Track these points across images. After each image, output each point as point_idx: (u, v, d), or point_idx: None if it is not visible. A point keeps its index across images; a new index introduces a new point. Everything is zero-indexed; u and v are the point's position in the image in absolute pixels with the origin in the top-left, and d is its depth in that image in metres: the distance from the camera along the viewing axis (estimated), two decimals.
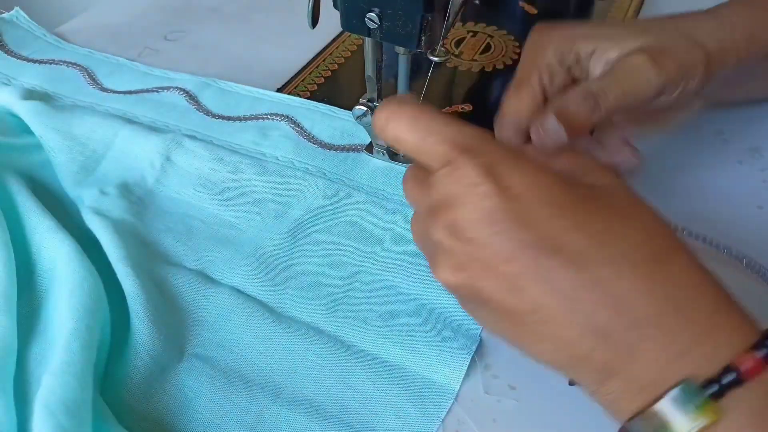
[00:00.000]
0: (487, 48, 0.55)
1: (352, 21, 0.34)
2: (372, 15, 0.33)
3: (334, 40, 0.55)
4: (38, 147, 0.43)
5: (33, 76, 0.51)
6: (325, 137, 0.45)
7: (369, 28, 0.34)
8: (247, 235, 0.39)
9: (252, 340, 0.34)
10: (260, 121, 0.47)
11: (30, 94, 0.46)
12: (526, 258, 0.24)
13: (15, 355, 0.30)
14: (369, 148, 0.44)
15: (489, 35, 0.56)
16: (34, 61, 0.53)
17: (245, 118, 0.47)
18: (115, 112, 0.47)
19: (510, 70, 0.52)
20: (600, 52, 0.35)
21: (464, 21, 0.58)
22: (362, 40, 0.37)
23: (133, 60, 0.53)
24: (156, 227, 0.39)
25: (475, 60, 0.53)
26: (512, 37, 0.56)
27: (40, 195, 0.39)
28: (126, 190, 0.41)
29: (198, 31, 0.57)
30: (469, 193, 0.24)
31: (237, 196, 0.41)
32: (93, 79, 0.51)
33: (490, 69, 0.52)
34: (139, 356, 0.32)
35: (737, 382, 0.22)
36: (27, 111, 0.43)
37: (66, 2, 1.01)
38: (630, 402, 0.24)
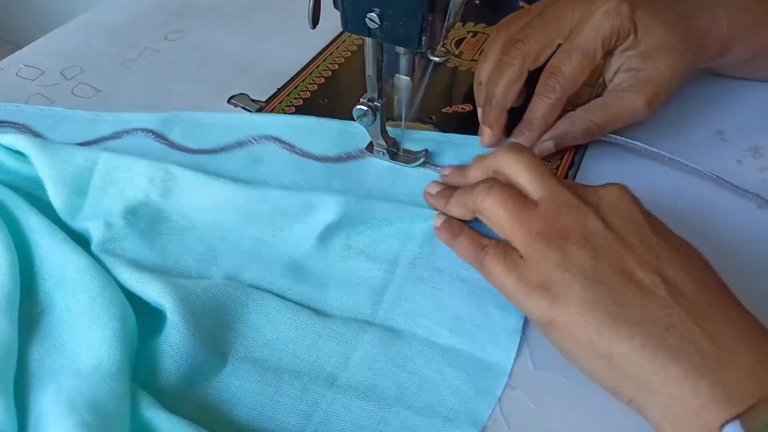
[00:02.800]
0: None
1: (352, 21, 0.34)
2: (372, 15, 0.33)
3: (334, 40, 0.55)
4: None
5: None
6: (319, 150, 0.44)
7: (369, 28, 0.34)
8: (277, 247, 0.38)
9: (299, 337, 0.33)
10: (246, 146, 0.44)
11: None
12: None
13: (15, 357, 0.30)
14: (369, 148, 0.44)
15: (489, 35, 0.56)
16: None
17: (230, 148, 0.44)
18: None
19: None
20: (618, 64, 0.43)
21: (464, 21, 0.58)
22: (362, 40, 0.37)
23: (87, 103, 0.48)
24: (175, 251, 0.37)
25: (475, 60, 0.53)
26: None
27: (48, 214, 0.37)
28: (132, 215, 0.37)
29: (198, 31, 0.57)
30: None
31: (256, 209, 0.38)
32: (37, 137, 0.43)
33: None
34: (177, 365, 0.31)
35: None
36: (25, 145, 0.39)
37: (66, 2, 1.01)
38: (728, 407, 0.25)
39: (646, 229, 0.31)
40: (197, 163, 0.42)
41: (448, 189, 0.38)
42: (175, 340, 0.31)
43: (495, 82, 0.42)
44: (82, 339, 0.30)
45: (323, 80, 0.51)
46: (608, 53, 0.42)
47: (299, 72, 0.52)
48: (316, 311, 0.35)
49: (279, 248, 0.38)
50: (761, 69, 0.49)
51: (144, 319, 0.33)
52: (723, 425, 0.25)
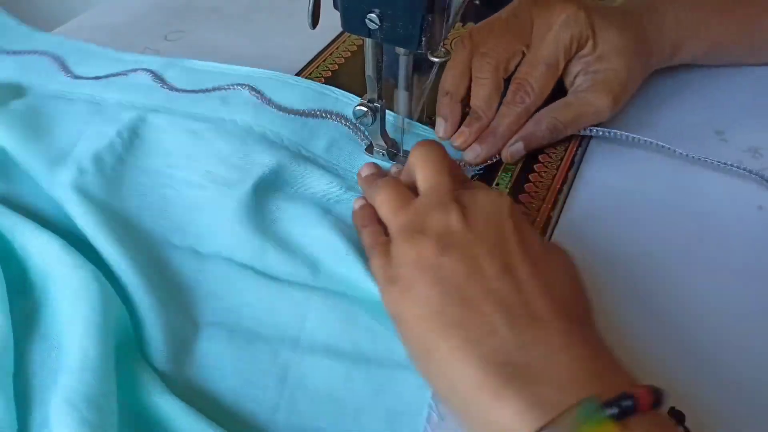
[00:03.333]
0: None
1: (352, 22, 0.34)
2: (372, 16, 0.33)
3: (334, 40, 0.55)
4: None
5: (6, 69, 0.51)
6: (286, 103, 0.46)
7: (369, 28, 0.34)
8: (211, 192, 0.39)
9: (256, 301, 0.35)
10: (222, 91, 0.47)
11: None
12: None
13: (12, 354, 0.30)
14: (369, 149, 0.44)
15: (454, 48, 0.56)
16: (8, 53, 0.53)
17: (208, 91, 0.48)
18: (85, 97, 0.48)
19: None
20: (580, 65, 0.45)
21: (464, 21, 0.58)
22: (362, 40, 0.36)
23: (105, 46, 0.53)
24: (134, 204, 0.39)
25: None
26: None
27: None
28: (100, 161, 0.41)
29: (198, 31, 0.57)
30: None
31: (201, 157, 0.41)
32: (64, 67, 0.51)
33: None
34: (156, 337, 0.32)
35: (632, 410, 0.24)
36: None
37: (66, 2, 1.01)
38: (533, 420, 0.25)
39: (508, 235, 0.30)
40: (174, 101, 0.47)
41: (379, 175, 0.39)
42: (148, 311, 0.33)
43: (477, 97, 0.43)
44: (70, 335, 0.30)
45: (323, 80, 0.51)
46: (569, 60, 0.44)
47: (299, 72, 0.52)
48: (264, 274, 0.36)
49: (214, 191, 0.39)
50: (717, 61, 0.51)
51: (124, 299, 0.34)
52: None
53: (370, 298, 0.33)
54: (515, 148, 0.43)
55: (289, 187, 0.40)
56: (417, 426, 0.30)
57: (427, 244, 0.30)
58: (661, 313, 0.36)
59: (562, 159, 0.44)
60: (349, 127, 0.45)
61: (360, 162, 0.43)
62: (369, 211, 0.37)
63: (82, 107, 0.46)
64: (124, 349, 0.31)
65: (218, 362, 0.32)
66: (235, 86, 0.47)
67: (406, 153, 0.43)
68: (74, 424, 0.26)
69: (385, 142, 0.42)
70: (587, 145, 0.46)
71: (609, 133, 0.44)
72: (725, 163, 0.43)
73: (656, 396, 0.25)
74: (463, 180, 0.37)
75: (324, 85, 0.48)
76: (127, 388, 0.30)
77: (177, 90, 0.48)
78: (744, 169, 0.42)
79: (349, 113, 0.45)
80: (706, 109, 0.49)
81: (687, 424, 0.29)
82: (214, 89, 0.48)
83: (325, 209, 0.39)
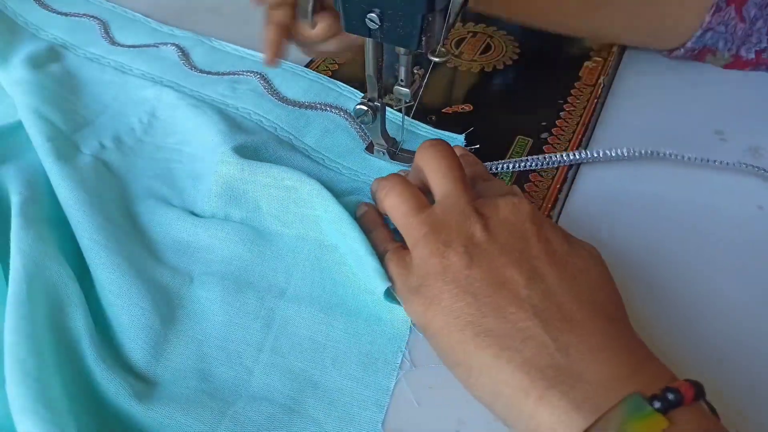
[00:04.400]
0: (487, 48, 0.55)
1: (352, 21, 0.34)
2: (372, 16, 0.33)
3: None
4: None
5: (57, 28, 0.56)
6: (290, 94, 0.49)
7: (369, 28, 0.34)
8: (209, 163, 0.41)
9: (246, 253, 0.37)
10: (235, 76, 0.51)
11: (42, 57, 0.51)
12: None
13: None
14: (369, 148, 0.44)
15: (489, 35, 0.56)
16: (60, 14, 0.58)
17: (222, 74, 0.51)
18: (115, 65, 0.52)
19: (510, 69, 0.52)
20: None
21: (464, 21, 0.58)
22: (362, 40, 0.37)
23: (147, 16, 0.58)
24: (147, 174, 0.43)
25: (475, 60, 0.53)
26: (512, 37, 0.56)
27: None
28: (119, 141, 0.45)
29: (198, 31, 0.57)
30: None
31: (202, 132, 0.43)
32: (106, 32, 0.56)
33: (490, 69, 0.52)
34: (155, 283, 0.35)
35: (678, 402, 0.25)
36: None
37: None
38: (580, 420, 0.25)
39: (532, 241, 0.31)
40: (190, 80, 0.50)
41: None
42: (148, 265, 0.36)
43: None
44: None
45: None
46: None
47: None
48: (254, 228, 0.39)
49: (209, 160, 0.41)
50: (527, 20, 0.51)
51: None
52: None
53: (356, 254, 0.35)
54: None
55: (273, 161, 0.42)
56: (390, 371, 0.33)
57: (453, 257, 0.30)
58: (661, 313, 0.36)
59: (554, 177, 0.44)
60: (346, 119, 0.46)
61: (355, 159, 0.43)
62: (373, 216, 0.37)
63: (111, 76, 0.51)
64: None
65: (209, 307, 0.35)
66: (247, 73, 0.51)
67: (405, 151, 0.43)
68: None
69: (385, 141, 0.42)
70: (587, 145, 0.46)
71: (597, 154, 0.44)
72: (720, 162, 0.43)
73: (697, 389, 0.25)
74: (478, 177, 0.37)
75: (331, 79, 0.50)
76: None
77: (196, 70, 0.52)
78: (745, 165, 0.42)
79: (351, 108, 0.45)
80: (706, 109, 0.49)
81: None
82: (228, 73, 0.51)
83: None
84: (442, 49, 0.36)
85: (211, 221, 0.39)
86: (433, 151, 0.34)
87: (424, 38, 0.33)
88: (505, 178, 0.43)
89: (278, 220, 0.38)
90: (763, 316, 0.36)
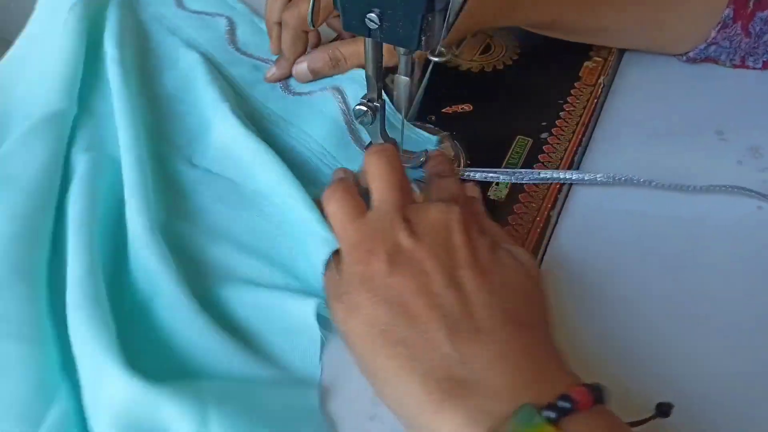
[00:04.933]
0: (487, 48, 0.55)
1: (352, 21, 0.34)
2: (372, 15, 0.33)
3: (333, 40, 0.55)
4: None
5: None
6: (300, 88, 0.49)
7: (369, 28, 0.34)
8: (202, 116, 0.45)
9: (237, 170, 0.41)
10: (260, 62, 0.51)
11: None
12: None
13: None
14: (368, 147, 0.44)
15: (489, 35, 0.56)
16: None
17: (249, 55, 0.52)
18: (173, 28, 0.53)
19: (510, 69, 0.52)
20: None
21: None
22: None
23: None
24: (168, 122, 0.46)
25: (475, 60, 0.53)
26: (512, 37, 0.56)
27: None
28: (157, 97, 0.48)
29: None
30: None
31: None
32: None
33: (490, 69, 0.52)
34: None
35: (571, 410, 0.25)
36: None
37: None
38: (470, 429, 0.25)
39: (457, 248, 0.31)
40: (223, 54, 0.52)
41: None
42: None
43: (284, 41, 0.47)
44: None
45: None
46: None
47: None
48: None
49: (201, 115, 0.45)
50: (560, 34, 0.51)
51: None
52: None
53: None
54: (300, 68, 0.47)
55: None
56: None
57: (375, 264, 0.30)
58: (661, 313, 0.36)
59: (561, 159, 0.44)
60: (340, 106, 0.46)
61: (338, 144, 0.44)
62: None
63: (173, 41, 0.52)
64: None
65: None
66: (269, 61, 0.51)
67: (406, 152, 0.43)
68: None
69: (385, 142, 0.42)
70: (587, 145, 0.46)
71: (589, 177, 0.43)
72: (719, 185, 0.43)
73: (596, 394, 0.25)
74: (435, 174, 0.38)
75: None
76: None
77: (236, 49, 0.53)
78: (727, 186, 0.42)
79: (350, 90, 0.47)
80: (706, 109, 0.49)
81: (681, 419, 0.29)
82: (251, 56, 0.52)
83: None
84: (442, 49, 0.36)
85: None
86: (376, 157, 0.35)
87: (424, 38, 0.33)
88: (502, 185, 0.43)
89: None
90: (765, 317, 0.36)
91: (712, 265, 0.38)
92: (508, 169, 0.43)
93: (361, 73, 0.47)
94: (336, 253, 0.34)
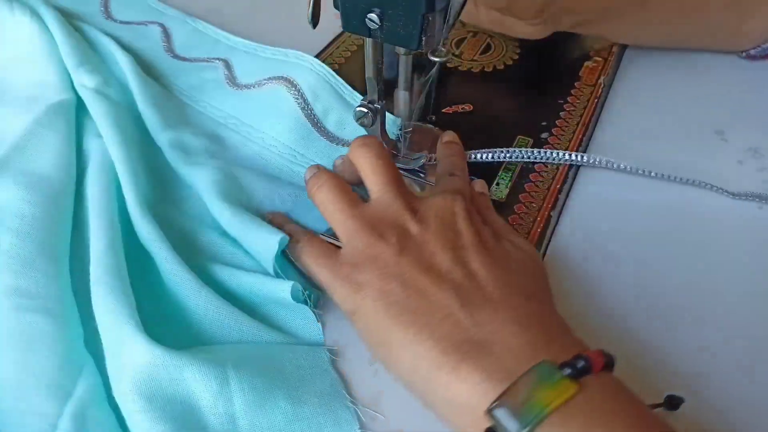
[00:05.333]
0: (488, 48, 0.55)
1: (352, 21, 0.34)
2: (372, 15, 0.33)
3: (334, 40, 0.55)
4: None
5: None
6: (246, 79, 0.49)
7: (369, 28, 0.34)
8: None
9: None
10: (204, 63, 0.52)
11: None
12: None
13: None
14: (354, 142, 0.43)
15: (489, 35, 0.56)
16: None
17: (190, 59, 0.52)
18: (110, 39, 0.51)
19: (510, 70, 0.52)
20: None
21: (464, 21, 0.58)
22: (362, 40, 0.36)
23: None
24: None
25: (476, 60, 0.53)
26: (512, 37, 0.56)
27: None
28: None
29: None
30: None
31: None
32: (106, 8, 0.57)
33: (491, 69, 0.52)
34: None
35: (588, 370, 0.25)
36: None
37: None
38: (491, 389, 0.26)
39: (461, 231, 0.33)
40: (163, 63, 0.52)
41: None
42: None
43: None
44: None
45: None
46: None
47: None
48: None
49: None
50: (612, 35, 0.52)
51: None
52: (491, 409, 0.25)
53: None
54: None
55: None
56: None
57: (385, 246, 0.32)
58: (661, 313, 0.36)
59: (555, 176, 0.44)
60: (292, 93, 0.46)
61: (297, 137, 0.44)
62: (280, 217, 0.38)
63: (107, 47, 0.51)
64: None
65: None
66: (215, 60, 0.51)
67: (406, 155, 0.43)
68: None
69: (386, 143, 0.42)
70: (588, 145, 0.46)
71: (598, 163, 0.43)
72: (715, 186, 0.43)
73: (608, 359, 0.26)
74: (445, 171, 0.39)
75: (289, 51, 0.50)
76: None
77: (174, 55, 0.53)
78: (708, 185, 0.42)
79: (302, 79, 0.46)
80: (706, 109, 0.49)
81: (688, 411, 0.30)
82: (197, 60, 0.52)
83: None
84: (442, 48, 0.36)
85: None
86: (366, 150, 0.36)
87: (424, 38, 0.33)
88: (506, 176, 0.43)
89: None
90: (765, 317, 0.36)
91: (712, 266, 0.38)
92: (511, 149, 0.43)
93: (309, 57, 0.48)
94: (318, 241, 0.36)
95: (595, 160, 0.43)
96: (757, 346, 0.34)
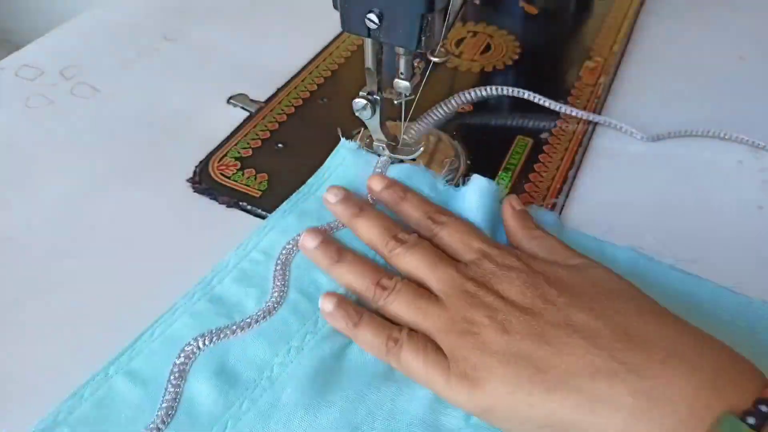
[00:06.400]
0: (488, 48, 0.55)
1: (351, 21, 0.34)
2: (372, 15, 0.33)
3: (334, 40, 0.55)
4: None
5: None
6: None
7: (369, 28, 0.34)
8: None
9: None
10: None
11: None
12: None
13: None
14: (369, 144, 0.43)
15: (489, 35, 0.56)
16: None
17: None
18: None
19: (510, 69, 0.52)
20: None
21: (464, 21, 0.58)
22: (362, 39, 0.36)
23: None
24: None
25: (475, 60, 0.53)
26: (513, 37, 0.56)
27: None
28: None
29: (198, 31, 0.57)
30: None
31: None
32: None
33: (490, 69, 0.52)
34: None
35: None
36: None
37: (66, 2, 1.01)
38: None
39: (543, 287, 0.31)
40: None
41: (354, 199, 0.38)
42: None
43: None
44: None
45: (323, 80, 0.51)
46: None
47: (299, 72, 0.52)
48: None
49: None
50: None
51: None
52: None
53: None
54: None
55: None
56: None
57: (483, 330, 0.30)
58: None
59: (562, 159, 0.44)
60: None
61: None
62: (353, 307, 0.33)
63: None
64: None
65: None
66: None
67: (406, 144, 0.43)
68: None
69: (385, 135, 0.42)
70: (588, 145, 0.46)
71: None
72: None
73: None
74: (524, 237, 0.36)
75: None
76: None
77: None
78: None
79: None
80: (706, 109, 0.49)
81: None
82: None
83: None
84: (442, 49, 0.36)
85: None
86: (416, 251, 0.34)
87: (423, 38, 0.33)
88: (505, 176, 0.43)
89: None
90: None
91: (712, 266, 0.38)
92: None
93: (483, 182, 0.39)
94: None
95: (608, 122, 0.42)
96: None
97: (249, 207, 0.41)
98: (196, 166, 0.44)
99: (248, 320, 0.34)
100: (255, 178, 0.42)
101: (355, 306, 0.34)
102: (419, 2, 0.32)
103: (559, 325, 0.29)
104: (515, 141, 0.45)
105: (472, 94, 0.44)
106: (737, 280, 0.37)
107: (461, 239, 0.35)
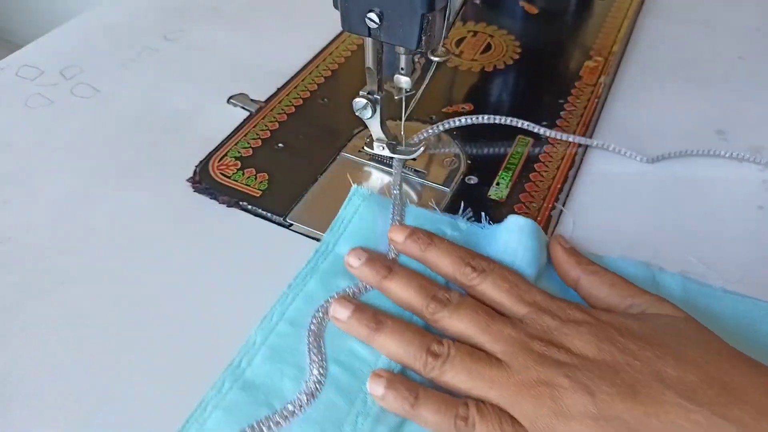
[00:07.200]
0: (488, 48, 0.55)
1: (352, 21, 0.34)
2: (372, 15, 0.33)
3: (334, 40, 0.55)
4: None
5: None
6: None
7: (369, 27, 0.34)
8: None
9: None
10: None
11: None
12: None
13: None
14: (369, 144, 0.43)
15: (489, 35, 0.56)
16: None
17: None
18: None
19: (510, 69, 0.52)
20: None
21: (464, 21, 0.58)
22: (362, 39, 0.36)
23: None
24: None
25: (476, 60, 0.53)
26: (513, 37, 0.56)
27: None
28: None
29: (198, 31, 0.57)
30: None
31: None
32: None
33: (491, 69, 0.52)
34: None
35: None
36: None
37: (66, 2, 1.01)
38: None
39: (618, 340, 0.28)
40: None
41: (380, 259, 0.35)
42: None
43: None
44: None
45: (323, 80, 0.51)
46: None
47: (299, 72, 0.52)
48: None
49: None
50: None
51: None
52: None
53: None
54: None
55: None
56: None
57: (563, 391, 0.27)
58: None
59: (562, 158, 0.44)
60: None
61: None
62: (407, 383, 0.30)
63: None
64: None
65: None
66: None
67: (408, 145, 0.43)
68: None
69: (386, 135, 0.42)
70: (588, 145, 0.46)
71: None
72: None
73: None
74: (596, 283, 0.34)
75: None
76: None
77: None
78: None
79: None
80: (706, 109, 0.49)
81: None
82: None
83: None
84: (442, 48, 0.36)
85: None
86: (463, 312, 0.31)
87: (424, 37, 0.33)
88: (506, 175, 0.43)
89: None
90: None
91: (712, 266, 0.38)
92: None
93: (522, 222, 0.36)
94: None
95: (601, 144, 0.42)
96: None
97: (249, 207, 0.41)
98: (197, 166, 0.44)
99: (290, 406, 0.30)
100: (255, 178, 0.42)
101: (407, 382, 0.30)
102: (419, 2, 0.32)
103: (649, 381, 0.26)
104: (515, 141, 0.45)
105: (462, 120, 0.44)
106: (737, 280, 0.37)
107: (510, 291, 0.32)
